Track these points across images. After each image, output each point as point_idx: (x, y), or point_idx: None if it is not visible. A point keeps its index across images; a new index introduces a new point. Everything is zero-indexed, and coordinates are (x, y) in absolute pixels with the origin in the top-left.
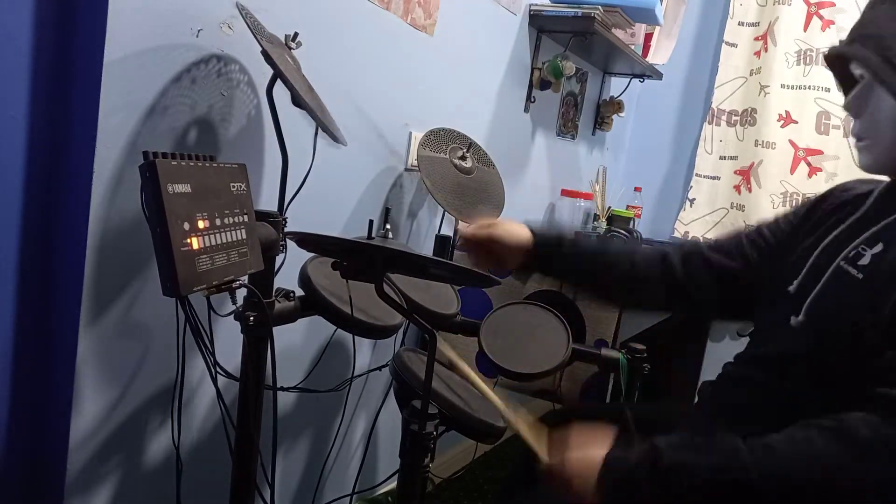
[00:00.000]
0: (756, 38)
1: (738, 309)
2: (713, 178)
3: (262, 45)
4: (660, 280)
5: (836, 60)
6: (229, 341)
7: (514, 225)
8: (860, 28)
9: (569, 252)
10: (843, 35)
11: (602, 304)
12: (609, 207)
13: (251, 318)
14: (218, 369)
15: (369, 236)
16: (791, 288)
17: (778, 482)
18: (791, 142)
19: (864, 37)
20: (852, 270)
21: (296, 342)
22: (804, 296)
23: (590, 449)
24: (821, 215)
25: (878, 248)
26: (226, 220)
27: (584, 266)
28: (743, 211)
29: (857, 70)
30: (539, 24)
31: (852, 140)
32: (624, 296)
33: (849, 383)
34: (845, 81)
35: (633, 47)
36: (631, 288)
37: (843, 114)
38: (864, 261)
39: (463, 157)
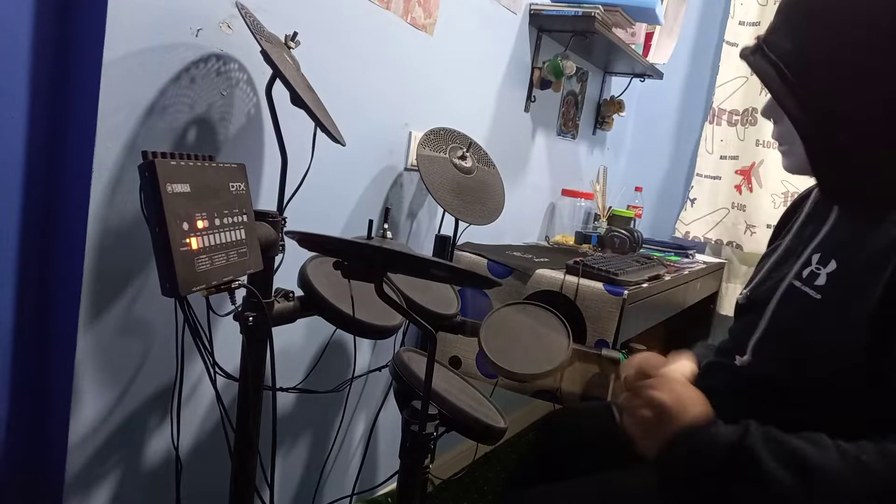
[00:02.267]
0: (757, 38)
1: None
2: (714, 177)
3: (261, 46)
4: None
5: None
6: (229, 341)
7: (682, 367)
8: (767, 34)
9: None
10: None
11: None
12: (609, 207)
13: (250, 319)
14: (217, 369)
15: (368, 236)
16: (739, 297)
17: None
18: None
19: (769, 44)
20: (810, 291)
21: (295, 342)
22: (749, 325)
23: (684, 398)
24: (789, 224)
25: (832, 266)
26: (225, 220)
27: None
28: (744, 211)
29: None
30: (539, 23)
31: (778, 144)
32: None
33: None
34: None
35: (633, 47)
36: None
37: None
38: (821, 280)
39: (463, 157)
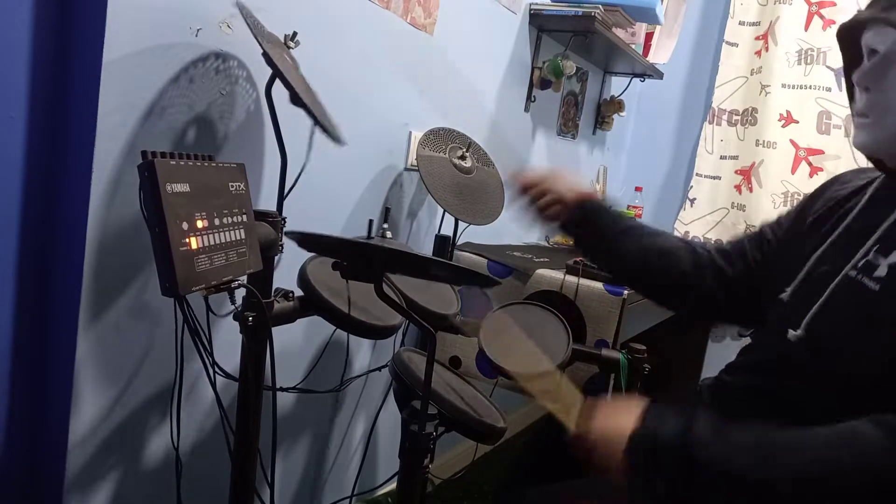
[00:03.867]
0: (757, 38)
1: (742, 313)
2: (714, 177)
3: (262, 47)
4: (678, 281)
5: (851, 33)
6: (228, 341)
7: (571, 180)
8: (879, 12)
9: (608, 223)
10: None
11: (615, 278)
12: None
13: (250, 319)
14: (217, 370)
15: (368, 236)
16: (784, 296)
17: (815, 491)
18: (792, 141)
19: (885, 18)
20: (868, 282)
21: (295, 342)
22: (802, 307)
23: (618, 419)
24: (818, 214)
25: (893, 258)
26: (224, 220)
27: (615, 244)
28: (744, 211)
29: (874, 45)
30: (539, 23)
31: (855, 117)
32: (638, 286)
33: (853, 396)
34: (853, 58)
35: (633, 46)
36: (649, 284)
37: (844, 113)
38: (881, 272)
39: (463, 157)
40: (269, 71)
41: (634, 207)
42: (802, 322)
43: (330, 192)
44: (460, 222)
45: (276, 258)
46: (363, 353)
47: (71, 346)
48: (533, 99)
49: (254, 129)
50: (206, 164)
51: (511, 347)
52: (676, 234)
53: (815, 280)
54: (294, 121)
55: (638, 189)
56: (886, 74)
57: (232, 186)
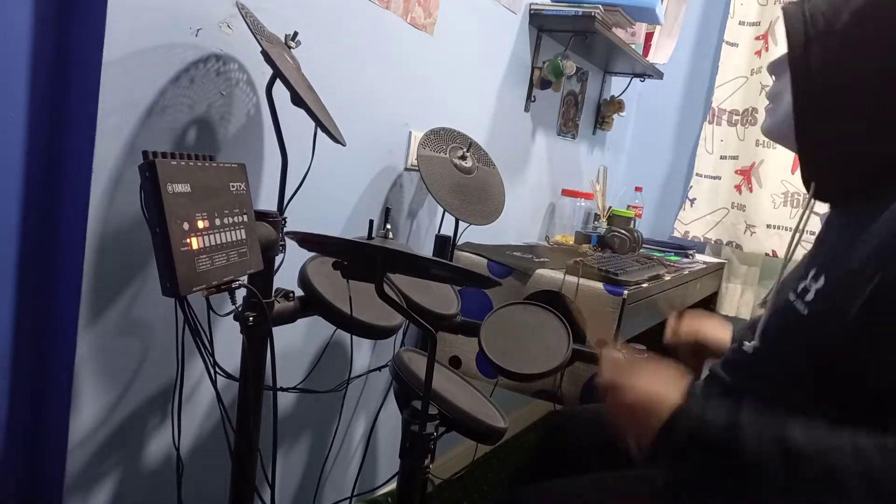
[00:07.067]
0: (757, 38)
1: None
2: (714, 177)
3: (261, 45)
4: None
5: None
6: (229, 341)
7: (718, 326)
8: None
9: None
10: None
11: None
12: (609, 207)
13: (251, 319)
14: (217, 370)
15: (369, 236)
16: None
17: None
18: None
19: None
20: (799, 305)
21: (295, 342)
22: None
23: (661, 388)
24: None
25: (821, 282)
26: (225, 220)
27: None
28: (744, 211)
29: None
30: (539, 23)
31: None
32: None
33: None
34: None
35: (633, 46)
36: None
37: None
38: (810, 296)
39: (463, 157)
40: (269, 71)
41: (634, 207)
42: (755, 333)
43: (330, 191)
44: (460, 222)
45: (279, 258)
46: (363, 353)
47: (71, 346)
48: (533, 99)
49: (254, 129)
50: (206, 164)
51: (511, 348)
52: (676, 233)
53: (774, 299)
54: (294, 121)
55: (638, 189)
56: (786, 68)
57: (233, 186)
